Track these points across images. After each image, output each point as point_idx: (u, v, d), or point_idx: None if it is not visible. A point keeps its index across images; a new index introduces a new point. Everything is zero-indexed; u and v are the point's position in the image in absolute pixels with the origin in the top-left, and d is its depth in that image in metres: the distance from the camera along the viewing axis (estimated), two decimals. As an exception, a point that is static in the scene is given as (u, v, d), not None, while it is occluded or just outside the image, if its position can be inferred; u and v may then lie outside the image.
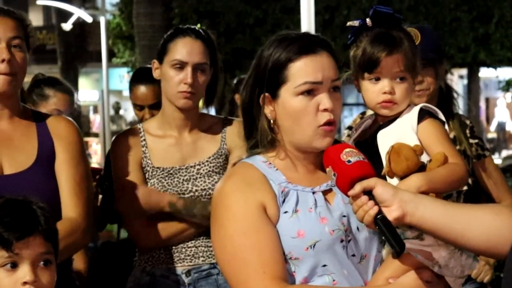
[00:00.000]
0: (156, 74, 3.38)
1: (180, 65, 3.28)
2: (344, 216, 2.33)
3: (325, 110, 2.32)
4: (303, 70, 2.33)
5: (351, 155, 2.23)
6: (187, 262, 3.29)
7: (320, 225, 2.29)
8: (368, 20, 2.55)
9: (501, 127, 28.32)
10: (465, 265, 2.34)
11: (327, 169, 2.27)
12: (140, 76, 4.25)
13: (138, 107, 4.28)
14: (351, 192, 2.19)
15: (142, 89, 4.24)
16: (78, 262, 4.03)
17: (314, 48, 2.36)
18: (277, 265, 2.25)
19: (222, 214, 2.33)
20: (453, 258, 2.31)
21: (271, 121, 2.39)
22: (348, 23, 2.59)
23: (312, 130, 2.33)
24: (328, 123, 2.33)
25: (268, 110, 2.39)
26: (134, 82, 4.32)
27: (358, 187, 2.18)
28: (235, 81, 5.64)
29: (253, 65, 2.42)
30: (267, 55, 2.38)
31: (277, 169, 2.39)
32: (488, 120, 29.94)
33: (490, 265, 3.72)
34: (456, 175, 2.44)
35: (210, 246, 3.27)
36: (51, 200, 2.70)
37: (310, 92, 2.33)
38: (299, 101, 2.33)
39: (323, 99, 2.33)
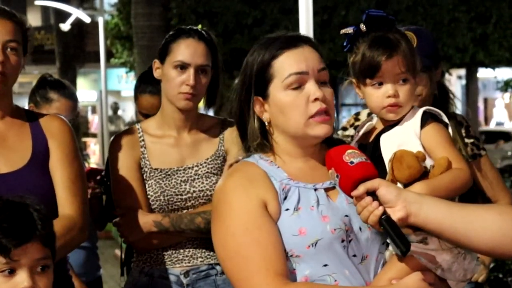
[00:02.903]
0: (157, 74, 3.38)
1: (183, 66, 3.27)
2: (346, 216, 2.33)
3: (316, 99, 2.33)
4: (287, 63, 2.35)
5: (353, 156, 2.23)
6: (185, 263, 3.29)
7: (321, 223, 2.29)
8: (362, 25, 2.55)
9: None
10: (467, 269, 2.34)
11: (330, 171, 2.27)
12: (145, 83, 4.24)
13: (143, 115, 4.27)
14: (354, 193, 2.19)
15: (149, 99, 4.23)
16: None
17: (294, 42, 2.38)
18: (279, 261, 2.25)
19: (224, 211, 2.33)
20: (456, 262, 2.30)
21: (266, 123, 2.40)
22: (342, 31, 2.59)
23: (304, 121, 2.33)
24: (320, 112, 2.33)
25: (261, 112, 2.40)
26: (139, 91, 4.31)
27: (362, 188, 2.18)
28: (236, 82, 5.62)
29: (240, 73, 2.45)
30: (251, 60, 2.40)
31: (278, 167, 2.39)
32: (487, 121, 29.97)
33: (485, 265, 3.71)
34: (460, 181, 2.44)
35: (209, 247, 3.27)
36: (46, 198, 2.71)
37: (298, 85, 2.34)
38: (289, 95, 2.35)
39: (312, 89, 2.34)
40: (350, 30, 2.58)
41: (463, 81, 25.31)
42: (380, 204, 2.17)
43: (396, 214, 2.16)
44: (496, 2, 17.64)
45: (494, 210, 2.23)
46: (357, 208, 2.21)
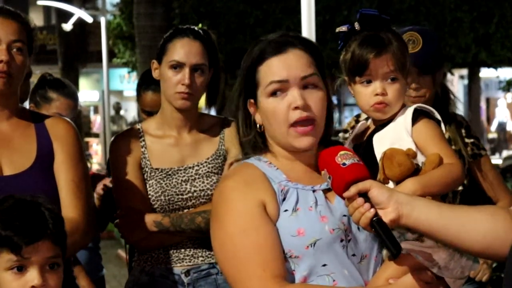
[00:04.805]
0: (155, 74, 3.39)
1: (178, 66, 3.28)
2: (345, 215, 2.33)
3: (296, 108, 2.32)
4: (269, 71, 2.35)
5: (346, 158, 2.22)
6: (186, 262, 3.29)
7: (320, 223, 2.29)
8: (356, 24, 2.56)
9: (501, 127, 28.32)
10: (465, 266, 2.34)
11: (322, 172, 2.26)
12: (149, 81, 4.24)
13: (146, 112, 4.27)
14: (346, 194, 2.19)
15: (151, 96, 4.23)
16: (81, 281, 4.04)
17: (281, 48, 2.36)
18: (276, 263, 2.25)
19: (222, 212, 2.33)
20: (453, 260, 2.31)
21: (260, 126, 2.41)
22: (337, 29, 2.60)
23: (285, 129, 2.33)
24: (301, 121, 2.32)
25: (254, 115, 2.41)
26: (142, 88, 4.31)
27: (353, 189, 2.18)
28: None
29: (239, 71, 2.45)
30: (245, 61, 2.41)
31: (277, 168, 2.39)
32: (489, 120, 29.94)
33: (488, 265, 3.71)
34: (451, 176, 2.44)
35: (209, 246, 3.26)
36: (50, 200, 2.70)
37: (279, 92, 2.33)
38: (271, 102, 2.35)
39: (293, 97, 2.32)
40: (344, 28, 2.59)
41: (465, 81, 25.30)
42: (372, 205, 2.17)
43: (387, 215, 2.16)
44: (498, 2, 17.63)
45: (486, 211, 2.22)
46: (348, 209, 2.21)
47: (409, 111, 2.52)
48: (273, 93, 2.34)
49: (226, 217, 2.32)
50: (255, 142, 2.42)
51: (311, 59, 2.37)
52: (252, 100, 2.40)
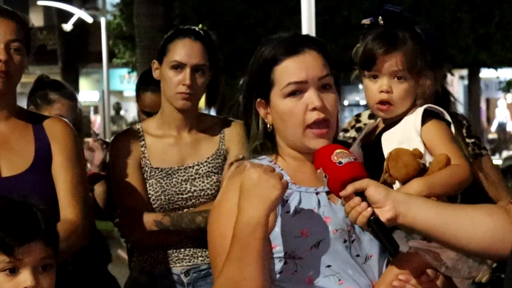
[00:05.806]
0: (156, 74, 3.39)
1: (179, 66, 3.28)
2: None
3: (314, 109, 2.31)
4: (286, 72, 2.33)
5: (342, 156, 2.21)
6: (186, 262, 3.30)
7: (323, 224, 2.28)
8: (380, 18, 2.54)
9: (501, 127, 28.37)
10: (472, 266, 2.33)
11: (318, 171, 2.25)
12: (147, 82, 4.23)
13: (145, 113, 4.26)
14: (342, 193, 2.18)
15: (151, 96, 4.21)
16: None
17: (297, 48, 2.34)
18: None
19: (213, 211, 2.35)
20: (461, 260, 2.29)
21: (269, 126, 2.39)
22: (362, 21, 2.58)
23: (301, 130, 2.32)
24: (318, 122, 2.31)
25: (264, 114, 2.39)
26: (141, 89, 4.30)
27: (350, 188, 2.17)
28: (241, 82, 5.60)
29: (248, 70, 2.43)
30: (256, 60, 2.39)
31: (281, 169, 2.37)
32: (489, 121, 29.97)
33: (488, 265, 3.70)
34: (458, 177, 2.42)
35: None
36: (48, 202, 2.70)
37: (297, 92, 2.32)
38: (287, 103, 2.33)
39: (311, 98, 2.31)
40: (367, 21, 2.58)
41: (465, 82, 25.33)
42: (369, 204, 2.16)
43: (384, 214, 2.15)
44: (498, 2, 17.65)
45: (483, 210, 2.21)
46: (345, 208, 2.19)
47: (419, 111, 2.50)
48: (290, 94, 2.33)
49: (213, 216, 2.33)
50: (265, 142, 2.41)
51: (324, 60, 2.37)
52: (262, 100, 2.38)
